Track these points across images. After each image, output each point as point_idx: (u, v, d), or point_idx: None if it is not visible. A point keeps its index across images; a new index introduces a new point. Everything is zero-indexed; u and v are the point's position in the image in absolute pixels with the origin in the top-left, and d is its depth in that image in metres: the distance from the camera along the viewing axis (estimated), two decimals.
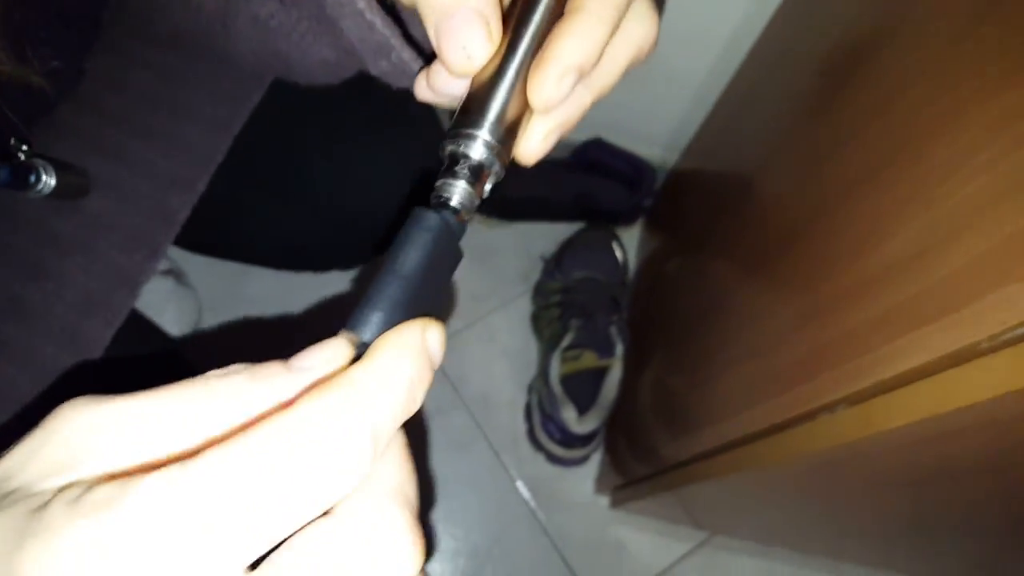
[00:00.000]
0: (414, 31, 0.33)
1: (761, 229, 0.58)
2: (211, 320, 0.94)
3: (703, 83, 0.88)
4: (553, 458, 0.92)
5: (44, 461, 0.18)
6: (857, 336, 0.39)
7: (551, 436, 0.90)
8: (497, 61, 0.24)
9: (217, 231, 0.60)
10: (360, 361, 0.21)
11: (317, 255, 0.68)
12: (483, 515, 0.92)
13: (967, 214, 0.32)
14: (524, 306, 1.02)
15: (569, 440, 0.89)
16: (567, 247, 1.00)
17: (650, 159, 1.02)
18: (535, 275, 1.02)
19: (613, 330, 0.91)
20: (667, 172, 1.02)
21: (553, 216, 1.03)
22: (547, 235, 1.03)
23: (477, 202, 0.24)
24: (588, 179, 1.02)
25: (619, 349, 0.89)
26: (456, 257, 0.23)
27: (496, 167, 0.24)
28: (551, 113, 0.26)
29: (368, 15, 0.30)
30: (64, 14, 0.40)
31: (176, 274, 0.91)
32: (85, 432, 0.19)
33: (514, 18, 0.25)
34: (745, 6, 0.76)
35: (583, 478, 0.95)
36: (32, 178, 0.42)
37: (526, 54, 0.24)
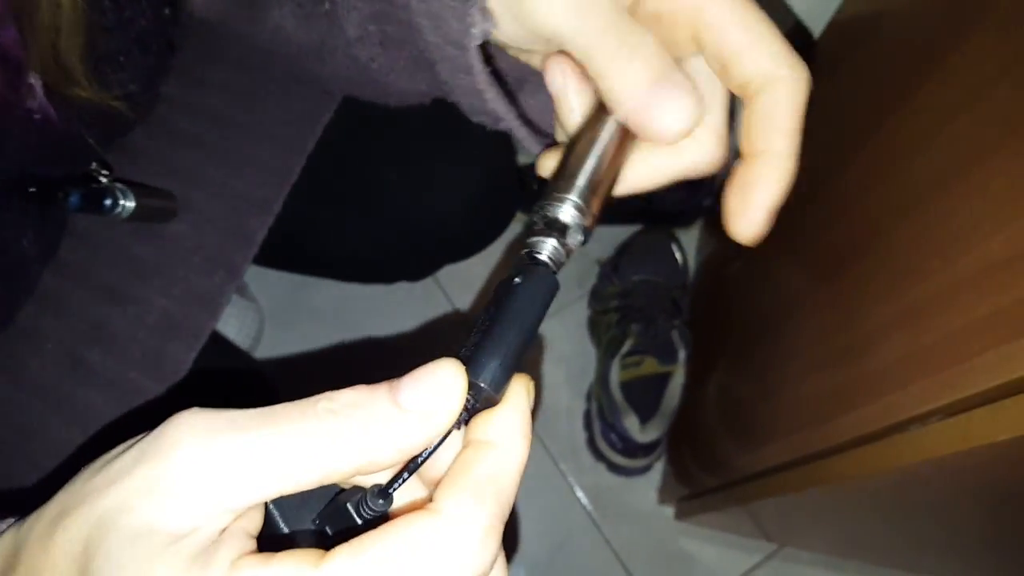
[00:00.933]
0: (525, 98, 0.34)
1: (840, 226, 0.56)
2: (273, 332, 0.95)
3: None
4: (615, 467, 0.91)
5: (166, 496, 0.19)
6: (955, 342, 0.36)
7: (612, 445, 0.89)
8: (590, 132, 0.26)
9: (290, 246, 0.61)
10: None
11: (387, 267, 0.69)
12: (543, 525, 0.91)
13: None
14: (580, 311, 1.01)
15: (631, 449, 0.87)
16: (624, 250, 0.99)
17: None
18: (591, 279, 1.00)
19: (674, 335, 0.89)
20: (727, 169, 0.99)
21: (609, 218, 1.02)
22: (603, 238, 1.02)
23: (565, 260, 0.26)
24: None
25: (681, 355, 0.87)
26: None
27: (582, 230, 0.26)
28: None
29: (487, 96, 0.30)
30: (143, 39, 0.41)
31: (238, 286, 0.93)
32: (206, 469, 0.19)
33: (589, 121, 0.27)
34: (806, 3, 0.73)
35: (646, 488, 0.93)
36: (108, 202, 0.42)
37: (614, 130, 0.26)
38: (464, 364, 0.22)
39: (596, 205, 0.26)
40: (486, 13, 0.26)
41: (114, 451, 0.21)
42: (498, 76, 0.32)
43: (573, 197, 0.25)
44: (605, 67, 0.24)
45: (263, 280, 0.96)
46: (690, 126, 0.24)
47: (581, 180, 0.25)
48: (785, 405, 0.59)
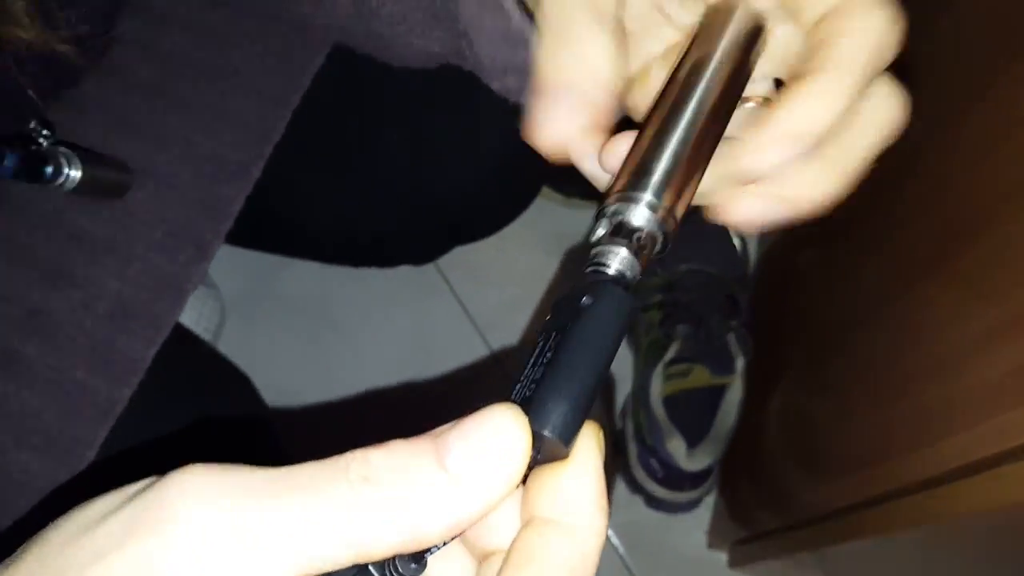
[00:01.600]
0: None
1: (937, 211, 0.56)
2: (236, 324, 0.96)
3: None
4: (655, 502, 0.91)
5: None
6: None
7: (652, 474, 0.89)
8: (665, 114, 0.26)
9: (270, 220, 0.62)
10: None
11: (385, 247, 0.70)
12: None
13: None
14: None
15: (675, 479, 0.87)
16: None
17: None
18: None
19: (731, 339, 0.89)
20: None
21: None
22: None
23: (640, 275, 0.25)
24: None
25: (739, 363, 0.87)
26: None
27: (661, 237, 0.25)
28: (770, 183, 0.27)
29: (526, 35, 0.32)
30: None
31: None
32: (216, 550, 0.18)
33: (687, 65, 0.27)
34: None
35: (693, 528, 0.93)
36: (49, 170, 0.42)
37: (701, 104, 0.26)
38: (524, 408, 0.21)
39: (682, 201, 0.25)
40: None
41: (99, 505, 0.20)
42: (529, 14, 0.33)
43: (648, 195, 0.25)
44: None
45: (226, 261, 0.96)
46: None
47: (661, 168, 0.25)
48: (870, 426, 0.59)
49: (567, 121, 0.27)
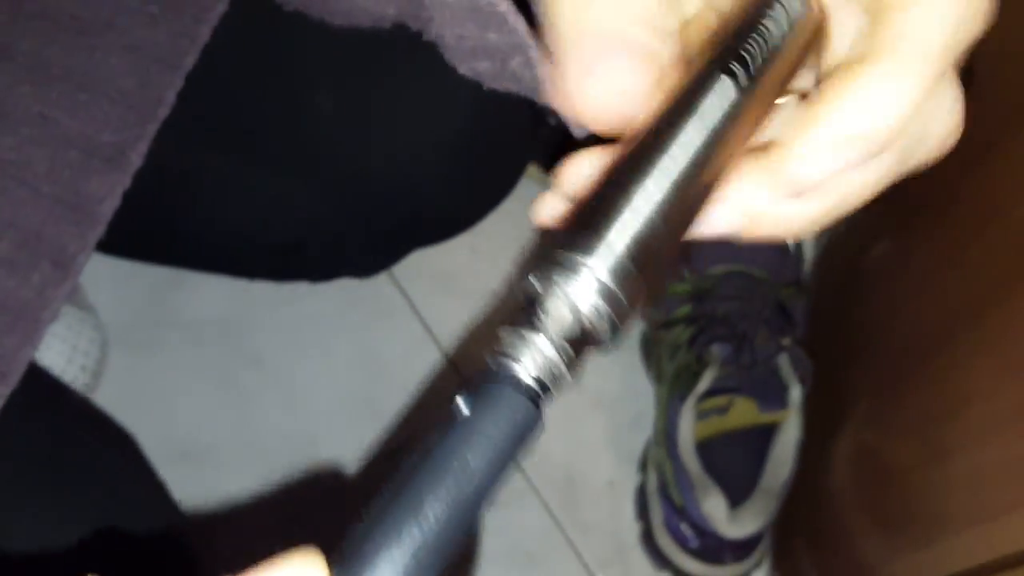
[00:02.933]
0: None
1: None
2: (124, 361, 0.96)
3: None
4: None
5: None
6: None
7: (683, 543, 0.90)
8: (640, 147, 0.25)
9: (158, 223, 0.62)
10: None
11: (320, 253, 0.69)
12: None
13: None
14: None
15: (714, 550, 0.88)
16: None
17: None
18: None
19: (782, 361, 0.90)
20: None
21: None
22: None
23: (567, 381, 0.23)
24: None
25: (794, 394, 0.88)
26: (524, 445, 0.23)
27: (609, 328, 0.23)
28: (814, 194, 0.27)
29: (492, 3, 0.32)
30: None
31: (71, 289, 0.94)
32: None
33: (682, 90, 0.26)
34: None
35: None
36: None
37: (698, 140, 0.25)
38: (346, 557, 0.21)
39: (651, 272, 0.24)
40: None
41: None
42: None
43: (600, 261, 0.23)
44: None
45: (107, 279, 0.96)
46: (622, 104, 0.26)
47: (637, 221, 0.23)
48: (969, 474, 0.60)
49: (623, 80, 0.27)
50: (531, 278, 0.23)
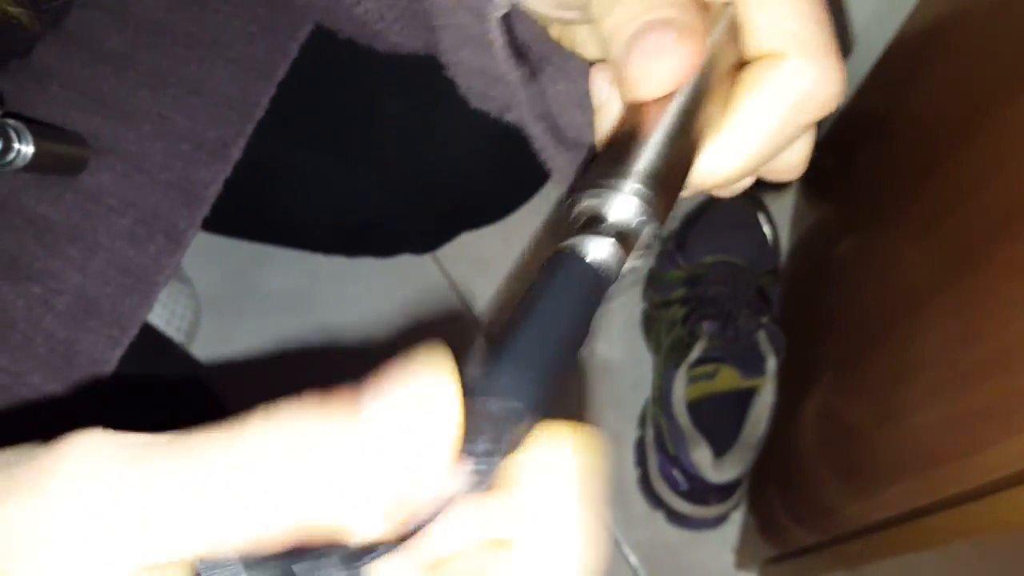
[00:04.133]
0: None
1: (991, 192, 0.56)
2: (213, 323, 0.97)
3: None
4: (677, 517, 0.92)
5: (42, 548, 0.18)
6: None
7: (674, 487, 0.90)
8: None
9: (253, 205, 0.62)
10: None
11: (386, 232, 0.70)
12: None
13: None
14: (633, 303, 1.02)
15: (701, 492, 0.88)
16: (694, 221, 0.99)
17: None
18: (648, 260, 1.01)
19: (761, 336, 0.89)
20: (834, 116, 0.99)
21: None
22: None
23: (622, 269, 0.25)
24: None
25: (771, 364, 0.88)
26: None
27: (648, 233, 0.25)
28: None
29: (509, 79, 0.33)
30: None
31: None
32: (102, 515, 0.18)
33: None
34: None
35: (719, 546, 0.94)
36: None
37: (695, 89, 0.27)
38: (477, 377, 0.21)
39: (666, 195, 0.25)
40: None
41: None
42: (517, 54, 0.33)
43: (632, 183, 0.25)
44: (597, 7, 0.27)
45: (201, 253, 0.97)
46: (670, 76, 0.26)
47: (648, 157, 0.25)
48: (916, 431, 0.59)
49: (687, 58, 0.26)
50: (581, 200, 0.25)
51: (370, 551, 0.19)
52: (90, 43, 0.50)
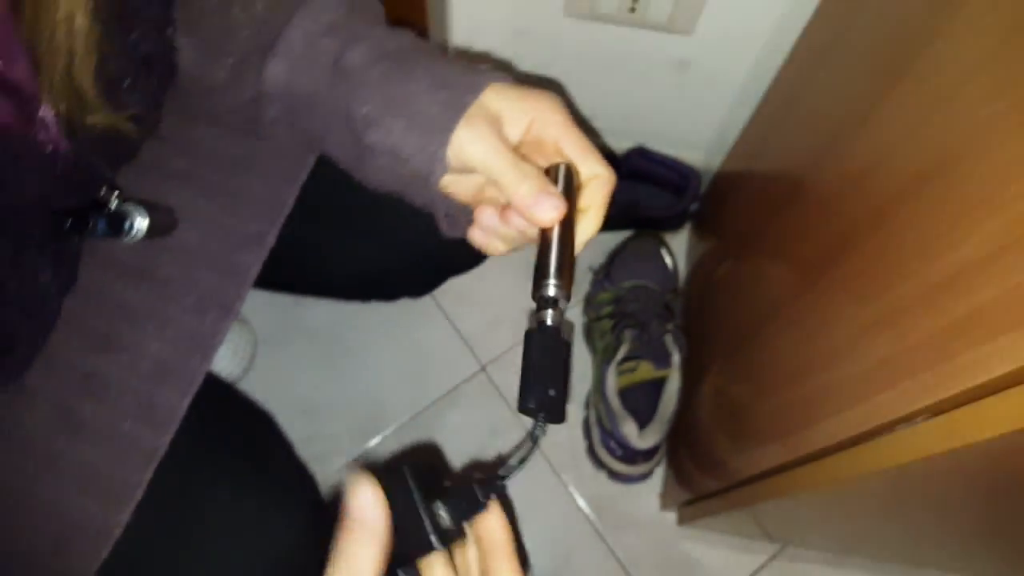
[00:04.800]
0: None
1: (817, 231, 0.56)
2: (267, 353, 0.96)
3: (743, 84, 0.86)
4: (615, 475, 0.91)
5: None
6: (936, 343, 0.37)
7: (612, 452, 0.89)
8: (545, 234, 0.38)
9: (286, 271, 0.61)
10: None
11: (389, 284, 0.69)
12: (547, 537, 0.91)
13: None
14: (575, 319, 1.01)
15: (631, 456, 0.87)
16: (616, 256, 0.99)
17: (693, 163, 1.00)
18: (585, 286, 1.01)
19: (668, 339, 0.89)
20: (712, 175, 1.00)
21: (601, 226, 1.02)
22: (595, 245, 1.01)
23: (560, 314, 0.36)
24: (633, 187, 1.01)
25: (676, 358, 0.88)
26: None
27: (565, 298, 0.36)
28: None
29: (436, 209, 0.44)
30: (148, 60, 0.41)
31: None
32: None
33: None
34: (783, 6, 0.74)
35: (647, 495, 0.93)
36: (127, 225, 0.42)
37: (567, 228, 0.38)
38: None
39: (568, 276, 0.36)
40: (445, 161, 0.37)
41: None
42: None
43: (552, 280, 0.36)
44: (511, 186, 0.37)
45: (255, 300, 0.96)
46: (559, 214, 0.37)
47: (553, 265, 0.36)
48: (777, 407, 0.59)
49: (562, 206, 0.37)
50: (536, 291, 0.36)
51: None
52: (159, 164, 0.50)
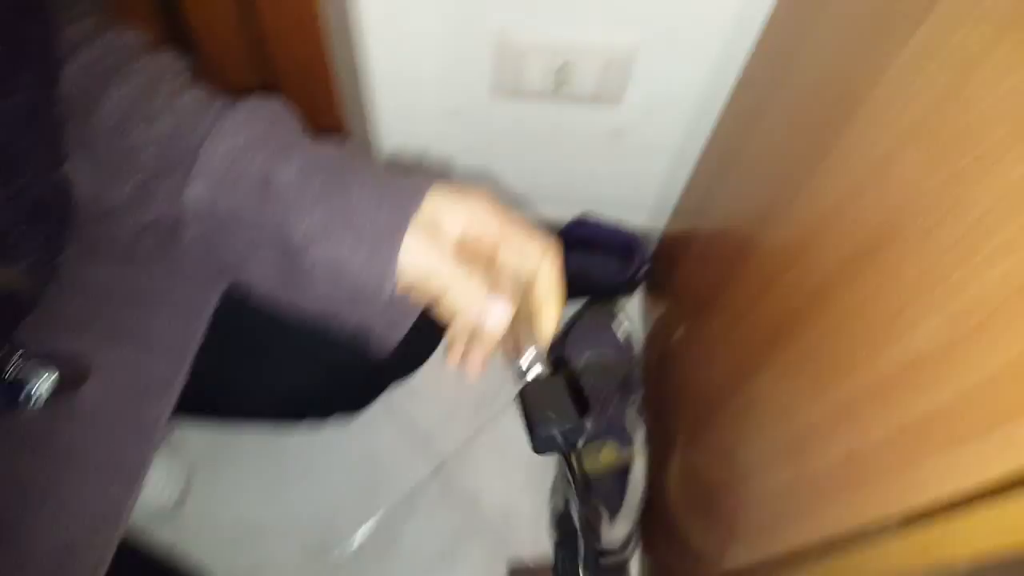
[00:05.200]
0: None
1: (766, 305, 0.54)
2: (205, 475, 0.89)
3: (679, 147, 0.85)
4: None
5: None
6: (899, 442, 0.33)
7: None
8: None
9: (203, 403, 0.56)
10: None
11: (318, 407, 0.64)
12: None
13: (994, 301, 0.27)
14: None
15: (603, 548, 0.82)
16: (568, 330, 0.96)
17: (639, 226, 0.98)
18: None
19: (630, 414, 0.85)
20: (658, 237, 0.98)
21: None
22: None
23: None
24: (579, 257, 0.99)
25: (639, 436, 0.84)
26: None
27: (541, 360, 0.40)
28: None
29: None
30: (39, 203, 0.37)
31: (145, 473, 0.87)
32: None
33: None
34: (707, 71, 0.73)
35: None
36: (23, 396, 0.38)
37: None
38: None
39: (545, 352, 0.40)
40: (396, 273, 0.37)
41: None
42: None
43: (539, 356, 0.40)
44: (457, 299, 0.36)
45: (193, 427, 0.90)
46: (509, 318, 0.36)
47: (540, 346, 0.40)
48: (749, 495, 0.55)
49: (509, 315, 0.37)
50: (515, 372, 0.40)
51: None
52: (55, 308, 0.45)
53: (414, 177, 0.38)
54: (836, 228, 0.42)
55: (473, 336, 0.39)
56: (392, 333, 0.43)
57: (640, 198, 0.96)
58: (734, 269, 0.64)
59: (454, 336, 0.40)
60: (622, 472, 0.83)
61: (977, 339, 0.28)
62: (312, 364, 0.56)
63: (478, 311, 0.36)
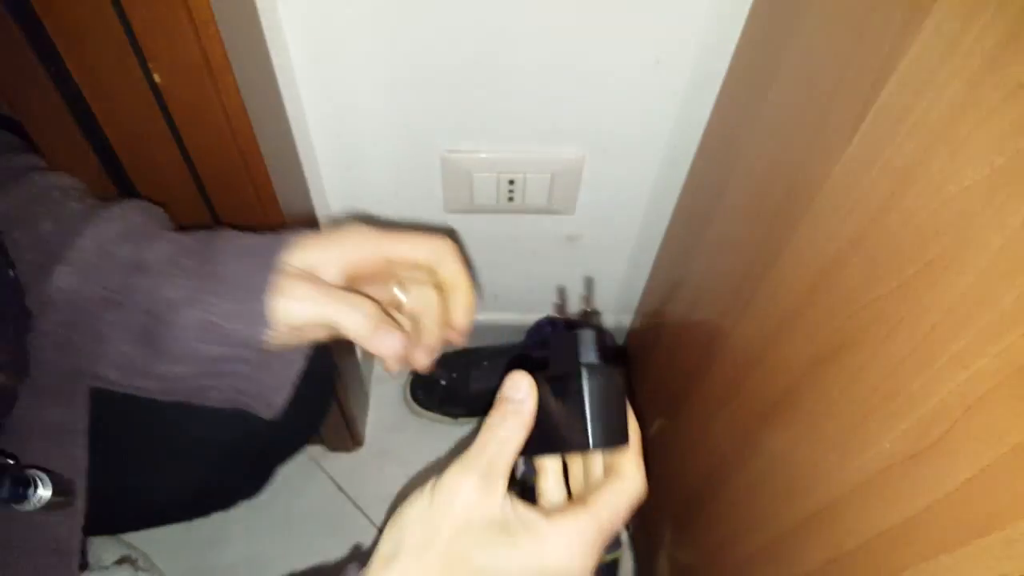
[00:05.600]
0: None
1: (738, 398, 0.55)
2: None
3: (635, 247, 0.88)
4: None
5: None
6: (879, 550, 0.34)
7: None
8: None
9: (107, 511, 0.54)
10: None
11: (220, 494, 0.64)
12: None
13: (953, 414, 0.29)
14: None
15: None
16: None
17: (604, 324, 1.01)
18: (519, 467, 0.96)
19: None
20: (625, 333, 1.00)
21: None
22: None
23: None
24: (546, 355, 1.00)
25: (624, 535, 0.83)
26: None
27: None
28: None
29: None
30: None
31: (132, 560, 0.83)
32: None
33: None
34: (654, 179, 0.77)
35: None
36: (31, 489, 0.38)
37: None
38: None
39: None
40: (267, 319, 0.37)
41: None
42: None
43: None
44: (350, 330, 0.38)
45: (165, 545, 0.86)
46: (401, 348, 0.38)
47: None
48: None
49: (402, 344, 0.38)
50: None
51: None
52: None
53: (283, 234, 0.40)
54: (799, 329, 0.43)
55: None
56: (277, 393, 0.43)
57: (602, 298, 0.98)
58: (702, 364, 0.65)
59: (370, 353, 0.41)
60: (611, 572, 0.82)
61: (940, 451, 0.29)
62: (196, 459, 0.56)
63: (374, 343, 0.38)
